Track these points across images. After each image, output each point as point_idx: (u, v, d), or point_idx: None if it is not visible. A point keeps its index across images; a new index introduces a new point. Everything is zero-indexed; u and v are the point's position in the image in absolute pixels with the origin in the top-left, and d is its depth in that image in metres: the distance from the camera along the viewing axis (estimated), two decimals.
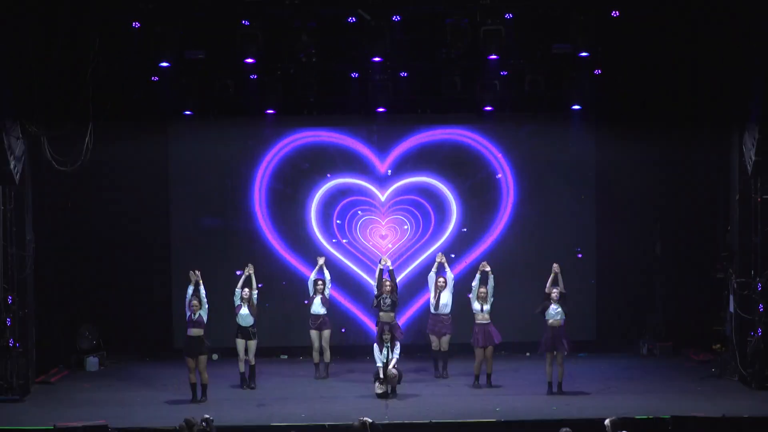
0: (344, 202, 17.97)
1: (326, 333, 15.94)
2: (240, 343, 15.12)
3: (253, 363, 15.18)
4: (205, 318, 14.41)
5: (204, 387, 14.47)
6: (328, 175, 17.84)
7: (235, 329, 15.20)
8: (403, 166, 17.96)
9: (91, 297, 17.51)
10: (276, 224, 17.95)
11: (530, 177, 17.89)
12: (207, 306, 14.45)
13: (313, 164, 17.96)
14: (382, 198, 17.96)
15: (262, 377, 15.56)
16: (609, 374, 16.05)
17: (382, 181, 17.95)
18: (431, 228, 17.96)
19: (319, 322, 15.90)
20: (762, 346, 14.71)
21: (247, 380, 15.24)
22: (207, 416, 11.50)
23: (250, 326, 15.11)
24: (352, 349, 17.28)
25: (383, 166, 17.93)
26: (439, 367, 15.83)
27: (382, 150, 17.95)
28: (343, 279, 17.86)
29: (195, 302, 14.42)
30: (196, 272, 14.51)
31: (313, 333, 15.92)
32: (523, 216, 17.89)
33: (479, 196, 17.93)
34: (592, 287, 17.83)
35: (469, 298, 15.28)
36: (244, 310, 15.09)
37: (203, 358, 14.40)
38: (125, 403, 14.43)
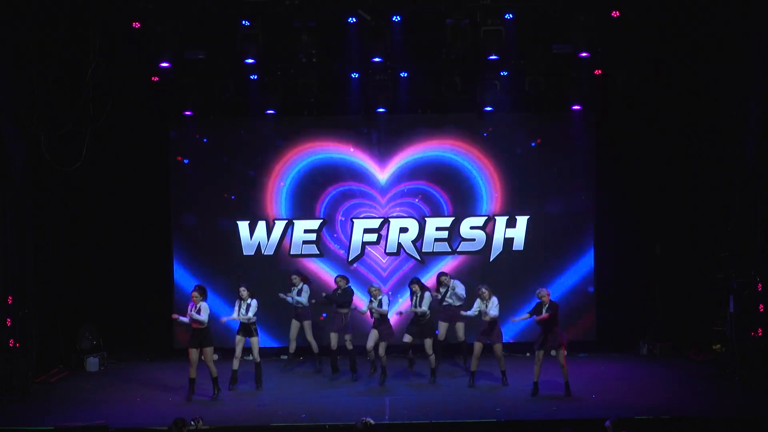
0: (343, 199, 17.97)
1: (306, 324, 16.17)
2: (240, 340, 15.07)
3: (258, 360, 15.15)
4: (204, 314, 14.37)
5: (214, 380, 14.47)
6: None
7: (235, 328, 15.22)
8: (402, 167, 17.94)
9: (91, 297, 17.51)
10: (275, 224, 17.94)
11: (530, 177, 17.87)
12: (209, 310, 14.47)
13: (314, 164, 17.94)
14: (383, 208, 17.95)
15: (263, 377, 15.52)
16: (609, 374, 16.05)
17: (382, 180, 17.94)
18: (424, 227, 17.94)
19: (298, 312, 16.19)
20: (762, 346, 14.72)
21: (255, 381, 15.20)
22: (198, 417, 11.54)
23: (252, 323, 15.04)
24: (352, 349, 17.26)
25: (383, 169, 17.92)
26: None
27: (383, 153, 17.92)
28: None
29: (195, 294, 14.43)
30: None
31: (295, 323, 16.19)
32: (523, 216, 17.86)
33: (478, 197, 17.91)
34: (592, 286, 17.80)
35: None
36: (242, 309, 14.98)
37: (209, 350, 14.38)
38: (125, 403, 14.43)
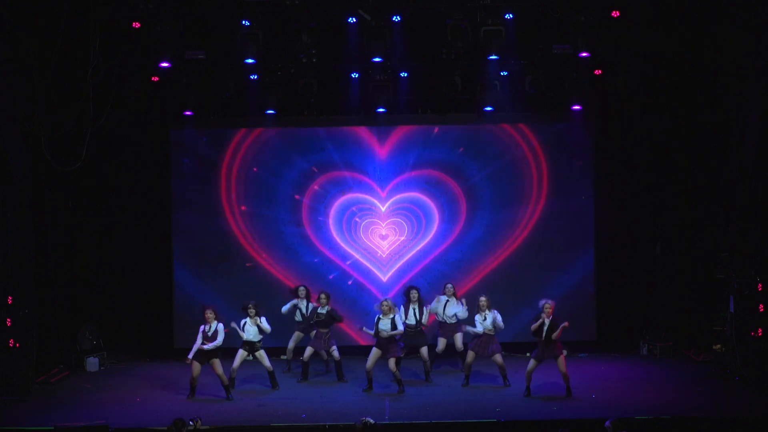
0: (343, 199, 17.98)
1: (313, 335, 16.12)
2: (243, 354, 14.93)
3: (271, 369, 15.09)
4: (220, 337, 14.38)
5: (226, 388, 14.47)
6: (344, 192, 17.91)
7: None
8: (402, 168, 17.93)
9: (91, 297, 17.51)
10: (276, 224, 17.93)
11: (530, 177, 17.87)
12: (224, 334, 14.46)
13: (314, 165, 17.93)
14: (383, 196, 17.96)
15: (263, 378, 15.52)
16: (609, 374, 16.05)
17: (382, 182, 17.94)
18: (434, 228, 17.94)
19: (303, 326, 16.13)
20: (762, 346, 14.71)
21: (271, 384, 15.17)
22: (196, 417, 11.57)
23: (258, 341, 14.92)
24: (352, 349, 17.27)
25: (383, 166, 17.93)
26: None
27: (383, 153, 17.93)
28: (341, 281, 17.86)
29: (210, 314, 14.42)
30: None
31: (297, 335, 16.17)
32: (523, 216, 17.87)
33: (478, 197, 17.91)
34: (592, 286, 17.81)
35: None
36: (251, 326, 14.83)
37: (217, 362, 14.36)
38: (125, 403, 14.43)
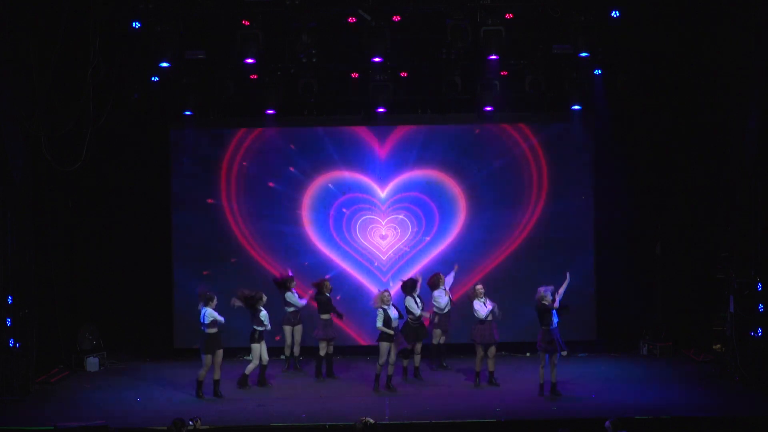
0: (343, 198, 17.97)
1: (299, 327, 16.17)
2: (256, 348, 15.00)
3: (266, 363, 15.16)
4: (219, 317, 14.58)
5: (216, 383, 14.51)
6: (343, 193, 17.90)
7: (250, 334, 15.07)
8: (402, 167, 17.93)
9: (91, 297, 17.50)
10: (275, 224, 17.94)
11: (530, 177, 17.87)
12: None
13: (314, 164, 17.94)
14: (382, 195, 17.96)
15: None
16: (609, 374, 16.04)
17: (382, 181, 17.94)
18: (434, 228, 17.95)
19: (298, 317, 16.17)
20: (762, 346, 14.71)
21: (260, 381, 15.23)
22: (196, 417, 11.59)
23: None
24: (351, 349, 17.27)
25: (383, 165, 17.93)
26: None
27: (382, 153, 17.93)
28: (341, 279, 17.84)
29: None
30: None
31: (288, 329, 16.16)
32: (523, 216, 17.87)
33: (478, 197, 17.91)
34: (592, 286, 17.80)
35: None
36: (265, 313, 14.97)
37: (220, 352, 14.48)
38: (125, 403, 14.43)
